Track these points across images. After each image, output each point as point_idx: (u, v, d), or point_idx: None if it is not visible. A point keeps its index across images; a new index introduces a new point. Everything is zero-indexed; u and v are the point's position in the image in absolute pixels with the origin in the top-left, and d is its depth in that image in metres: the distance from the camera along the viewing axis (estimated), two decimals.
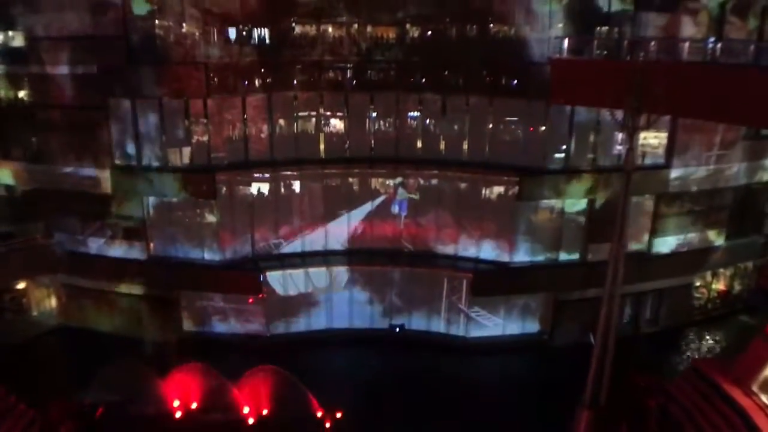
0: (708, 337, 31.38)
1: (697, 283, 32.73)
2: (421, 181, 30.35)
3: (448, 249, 30.74)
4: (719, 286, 33.71)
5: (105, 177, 28.61)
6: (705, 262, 31.69)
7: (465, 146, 29.55)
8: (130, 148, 28.45)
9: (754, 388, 21.51)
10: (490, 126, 29.00)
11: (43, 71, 27.81)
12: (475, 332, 30.79)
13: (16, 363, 27.32)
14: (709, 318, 32.96)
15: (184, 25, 27.34)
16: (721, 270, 33.26)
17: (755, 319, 31.02)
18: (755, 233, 32.62)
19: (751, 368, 21.97)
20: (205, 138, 28.64)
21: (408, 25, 28.75)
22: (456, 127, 29.75)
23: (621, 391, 21.61)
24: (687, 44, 23.46)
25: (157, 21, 27.18)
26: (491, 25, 28.43)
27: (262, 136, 29.71)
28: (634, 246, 29.14)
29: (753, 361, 22.15)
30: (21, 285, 31.29)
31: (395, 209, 30.72)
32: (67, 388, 24.49)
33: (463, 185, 29.83)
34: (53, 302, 31.93)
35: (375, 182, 30.79)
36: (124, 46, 26.91)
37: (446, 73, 28.84)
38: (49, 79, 27.81)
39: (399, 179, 30.29)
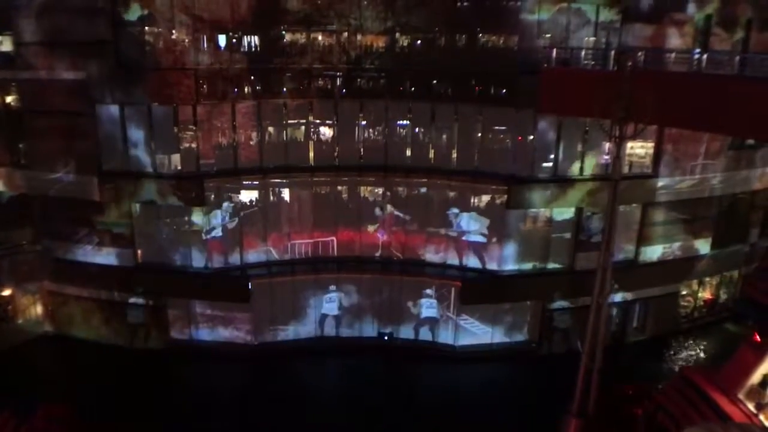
0: (694, 346, 31.58)
1: (684, 292, 32.96)
2: (399, 190, 30.45)
3: (437, 257, 30.80)
4: (705, 294, 33.97)
5: (93, 183, 28.47)
6: (691, 271, 31.95)
7: (454, 155, 29.67)
8: (118, 155, 28.32)
9: (740, 396, 21.67)
10: (479, 135, 29.16)
11: (31, 76, 27.66)
12: (463, 341, 30.81)
13: (1, 370, 27.13)
14: (696, 326, 33.17)
15: (173, 31, 27.32)
16: (707, 279, 33.54)
17: (741, 328, 31.23)
18: (740, 242, 32.95)
19: (737, 376, 22.14)
20: (194, 145, 28.58)
21: (397, 34, 28.88)
22: (445, 135, 29.87)
23: (608, 399, 21.68)
24: (673, 55, 23.77)
25: (146, 27, 27.13)
26: (480, 34, 28.64)
27: (251, 143, 29.70)
28: (621, 254, 29.42)
29: (739, 368, 22.32)
30: (6, 292, 30.99)
31: (383, 218, 30.74)
32: (52, 395, 24.29)
33: (451, 193, 29.93)
34: (39, 309, 31.61)
35: (364, 190, 30.83)
36: (113, 52, 26.87)
37: (435, 81, 28.97)
38: (37, 85, 27.69)
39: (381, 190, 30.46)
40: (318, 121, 30.06)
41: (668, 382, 25.62)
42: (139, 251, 29.74)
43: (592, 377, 20.56)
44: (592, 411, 20.84)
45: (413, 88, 28.93)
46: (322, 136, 30.36)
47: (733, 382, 22.08)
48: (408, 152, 30.14)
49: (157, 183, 28.22)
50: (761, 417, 20.86)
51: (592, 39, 27.62)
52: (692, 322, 33.33)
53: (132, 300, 30.02)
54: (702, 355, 30.91)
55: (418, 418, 25.19)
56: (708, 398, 22.14)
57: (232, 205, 29.59)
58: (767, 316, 22.35)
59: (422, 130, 30.00)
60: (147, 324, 30.20)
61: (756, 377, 21.74)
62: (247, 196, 29.96)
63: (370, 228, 30.88)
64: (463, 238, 30.02)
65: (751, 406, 21.26)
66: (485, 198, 29.64)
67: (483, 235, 29.79)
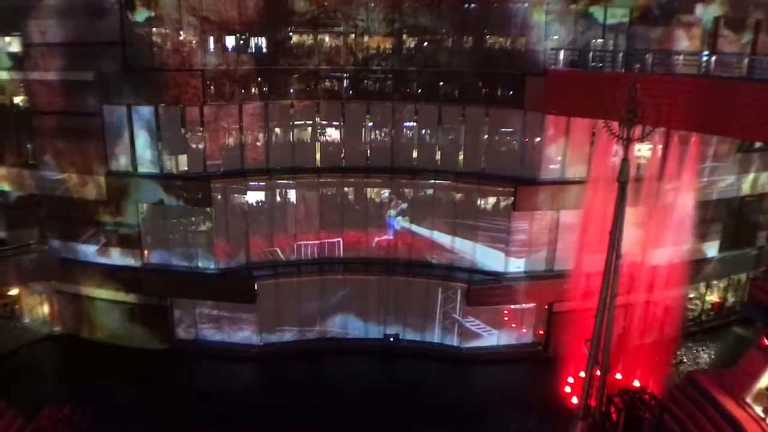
0: (701, 349, 31.38)
1: (691, 295, 32.79)
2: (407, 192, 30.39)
3: (444, 259, 30.74)
4: (713, 297, 33.80)
5: (100, 183, 28.55)
6: (698, 274, 31.75)
7: (461, 156, 29.61)
8: (126, 155, 28.39)
9: (748, 400, 21.53)
10: (486, 136, 29.11)
11: (39, 77, 27.77)
12: (470, 343, 30.74)
13: (8, 370, 27.22)
14: (703, 329, 32.99)
15: (181, 32, 27.39)
16: (715, 282, 33.36)
17: (748, 331, 31.04)
18: (748, 245, 32.75)
19: (745, 380, 22.01)
20: (201, 145, 28.64)
21: (404, 36, 28.88)
22: (451, 137, 29.84)
23: (615, 401, 21.55)
24: (681, 57, 23.66)
25: (154, 28, 27.21)
26: (487, 36, 28.61)
27: (258, 144, 29.73)
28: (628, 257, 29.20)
29: (747, 372, 22.18)
30: (13, 291, 31.11)
31: (390, 219, 30.72)
32: (58, 395, 24.35)
33: (458, 195, 29.87)
34: (46, 309, 31.72)
35: (370, 192, 30.81)
36: (120, 52, 26.94)
37: (442, 83, 28.94)
38: (45, 85, 27.79)
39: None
40: (325, 122, 30.08)
41: (676, 385, 25.50)
42: (145, 251, 29.80)
43: (598, 379, 20.44)
44: (597, 413, 20.71)
45: (420, 90, 28.98)
46: (328, 138, 30.37)
47: (741, 385, 21.95)
48: (415, 154, 30.12)
49: (164, 183, 28.27)
50: None
51: (600, 41, 27.52)
52: (699, 325, 33.16)
53: (138, 300, 30.07)
54: (709, 358, 30.71)
55: (421, 419, 25.13)
56: (715, 402, 22.02)
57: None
58: None
59: (429, 131, 29.99)
60: (153, 324, 30.24)
61: (764, 381, 21.60)
62: (254, 197, 29.97)
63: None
64: None
65: (759, 410, 21.13)
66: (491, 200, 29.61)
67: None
